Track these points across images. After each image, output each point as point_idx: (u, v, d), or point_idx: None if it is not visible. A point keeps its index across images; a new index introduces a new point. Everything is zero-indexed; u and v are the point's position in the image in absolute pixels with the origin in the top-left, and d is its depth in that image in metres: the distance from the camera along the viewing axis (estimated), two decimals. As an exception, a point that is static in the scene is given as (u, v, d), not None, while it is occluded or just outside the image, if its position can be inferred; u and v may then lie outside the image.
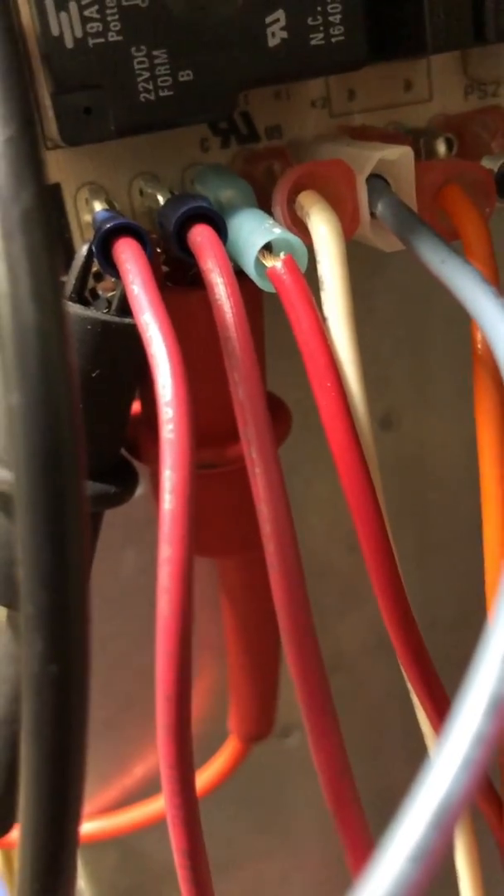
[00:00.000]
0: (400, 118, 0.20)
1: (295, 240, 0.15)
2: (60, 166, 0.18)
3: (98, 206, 0.17)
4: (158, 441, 0.13)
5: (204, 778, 0.24)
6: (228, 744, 0.24)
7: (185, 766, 0.13)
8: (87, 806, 0.26)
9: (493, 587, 0.16)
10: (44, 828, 0.11)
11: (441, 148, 0.18)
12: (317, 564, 0.25)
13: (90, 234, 0.18)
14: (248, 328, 0.14)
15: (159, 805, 0.25)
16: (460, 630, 0.27)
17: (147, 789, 0.26)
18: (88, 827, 0.25)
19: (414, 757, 0.20)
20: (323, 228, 0.15)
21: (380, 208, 0.15)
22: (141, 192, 0.18)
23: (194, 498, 0.13)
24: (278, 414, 0.20)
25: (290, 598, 0.14)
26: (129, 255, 0.14)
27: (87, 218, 0.18)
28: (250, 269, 0.15)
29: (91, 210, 0.18)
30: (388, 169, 0.16)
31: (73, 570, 0.10)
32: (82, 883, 0.27)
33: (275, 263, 0.15)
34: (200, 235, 0.15)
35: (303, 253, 0.15)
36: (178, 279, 0.18)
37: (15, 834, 0.20)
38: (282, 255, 0.15)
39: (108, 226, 0.15)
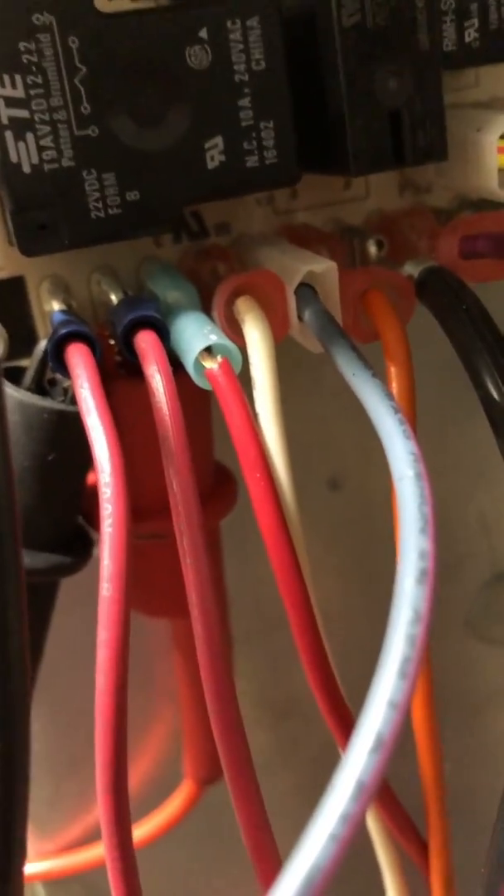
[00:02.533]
0: (340, 215, 0.22)
1: (230, 346, 0.17)
2: (24, 261, 0.20)
3: (56, 306, 0.19)
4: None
5: (160, 818, 0.26)
6: (183, 786, 0.26)
7: (122, 825, 0.15)
8: (52, 843, 0.28)
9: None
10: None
11: (372, 249, 0.20)
12: (272, 616, 0.27)
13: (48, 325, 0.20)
14: (182, 428, 0.16)
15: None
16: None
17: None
18: (53, 864, 0.27)
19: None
20: (255, 334, 0.17)
21: (306, 316, 0.17)
22: (98, 283, 0.20)
23: (129, 586, 0.14)
24: (225, 488, 0.21)
25: (212, 667, 0.16)
26: (78, 361, 0.16)
27: (49, 308, 0.20)
28: (190, 369, 0.17)
29: (52, 302, 0.20)
30: (316, 279, 0.18)
31: (13, 652, 0.12)
32: (47, 917, 0.28)
33: (212, 365, 0.17)
34: (144, 342, 0.17)
35: (237, 357, 0.17)
36: (130, 367, 0.20)
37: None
38: (218, 357, 0.17)
39: (61, 332, 0.17)
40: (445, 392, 0.23)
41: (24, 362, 0.20)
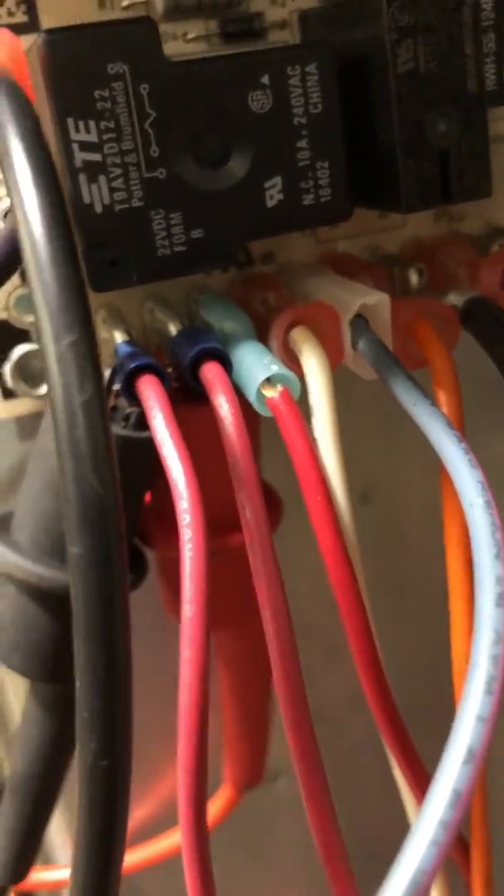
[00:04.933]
0: (377, 242, 0.23)
1: (290, 375, 0.18)
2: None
3: (119, 337, 0.20)
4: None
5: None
6: (223, 791, 0.26)
7: (201, 833, 0.16)
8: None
9: (459, 654, 0.19)
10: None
11: (414, 278, 0.21)
12: (302, 624, 0.28)
13: (107, 351, 0.21)
14: (251, 455, 0.17)
15: (159, 846, 0.27)
16: (430, 680, 0.30)
17: (147, 831, 0.28)
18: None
19: (384, 800, 0.22)
20: (313, 363, 0.18)
21: (361, 346, 0.18)
22: (151, 312, 0.21)
23: (210, 608, 0.15)
24: (272, 504, 0.22)
25: (284, 664, 0.17)
26: (151, 392, 0.17)
27: (105, 335, 0.21)
28: (252, 398, 0.18)
29: (108, 329, 0.21)
30: (369, 310, 0.18)
31: (121, 684, 0.13)
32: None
33: (273, 394, 0.18)
34: (211, 373, 0.17)
35: (296, 386, 0.18)
36: (185, 392, 0.20)
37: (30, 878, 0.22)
38: (279, 386, 0.18)
39: (132, 364, 0.18)
40: (475, 409, 0.24)
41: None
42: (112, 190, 0.17)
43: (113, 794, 0.13)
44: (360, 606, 0.18)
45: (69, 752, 0.22)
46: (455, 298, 0.20)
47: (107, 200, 0.17)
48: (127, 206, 0.18)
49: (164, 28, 0.20)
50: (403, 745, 0.19)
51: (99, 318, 0.21)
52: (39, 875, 0.26)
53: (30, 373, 0.21)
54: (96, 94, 0.17)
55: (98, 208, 0.17)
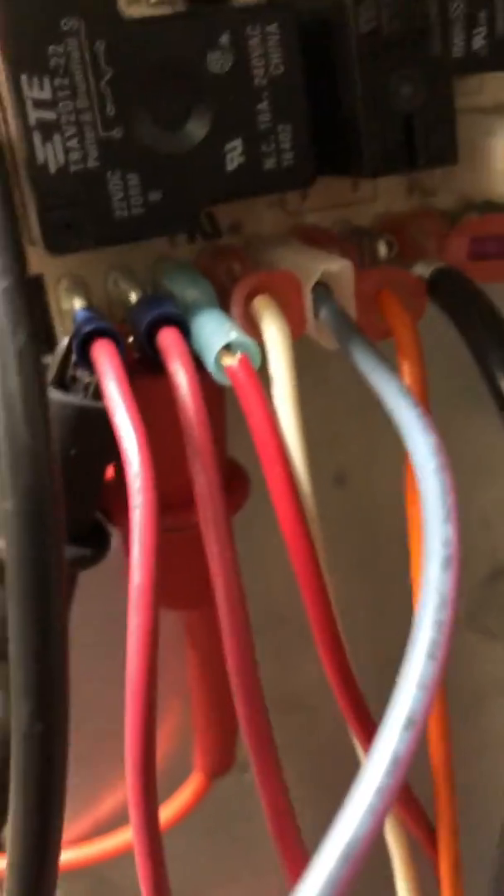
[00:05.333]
0: (348, 216, 0.22)
1: (249, 342, 0.17)
2: (43, 260, 0.20)
3: (78, 304, 0.19)
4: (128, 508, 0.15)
5: (170, 809, 0.26)
6: (192, 778, 0.26)
7: (150, 808, 0.15)
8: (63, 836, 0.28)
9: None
10: (28, 864, 0.13)
11: (382, 249, 0.21)
12: (276, 611, 0.28)
13: (69, 322, 0.20)
14: (207, 424, 0.16)
15: (128, 835, 0.27)
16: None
17: (116, 820, 0.27)
18: (64, 856, 0.27)
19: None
20: (273, 331, 0.18)
21: (323, 314, 0.18)
22: (115, 282, 0.21)
23: (158, 574, 0.15)
24: (238, 483, 0.22)
25: (238, 651, 0.16)
26: (104, 357, 0.17)
27: (66, 306, 0.20)
28: (211, 366, 0.17)
29: (70, 300, 0.20)
30: (332, 278, 0.18)
31: (56, 645, 0.12)
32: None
33: (232, 362, 0.17)
34: (167, 339, 0.17)
35: (256, 353, 0.17)
36: (147, 364, 0.20)
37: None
38: (238, 354, 0.17)
39: (87, 328, 0.17)
40: (444, 392, 0.24)
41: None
42: (67, 150, 0.17)
43: (50, 761, 0.12)
44: (321, 588, 0.17)
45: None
46: (422, 269, 0.20)
47: (62, 160, 0.17)
48: (83, 166, 0.17)
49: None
50: (369, 733, 0.19)
51: (62, 287, 0.20)
52: None
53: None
54: (50, 49, 0.16)
55: (52, 168, 0.17)
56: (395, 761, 0.11)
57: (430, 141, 0.18)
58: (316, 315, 0.18)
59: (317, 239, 0.21)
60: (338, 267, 0.18)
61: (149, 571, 0.15)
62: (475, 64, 0.20)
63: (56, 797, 0.13)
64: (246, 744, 0.16)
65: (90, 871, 0.28)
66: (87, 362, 0.18)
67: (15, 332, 0.12)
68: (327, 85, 0.18)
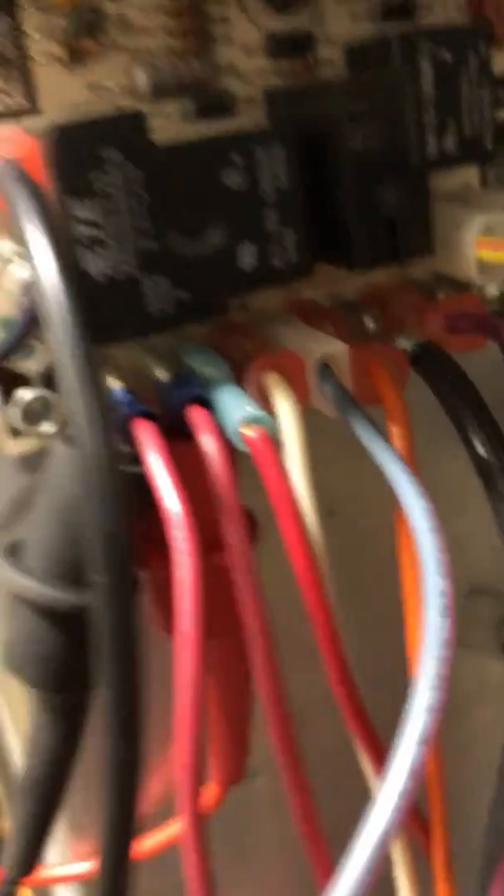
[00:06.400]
0: (337, 290, 0.25)
1: (265, 417, 0.20)
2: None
3: (114, 385, 0.22)
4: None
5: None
6: (208, 788, 0.29)
7: (200, 824, 0.18)
8: (89, 845, 0.31)
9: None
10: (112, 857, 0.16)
11: (369, 324, 0.24)
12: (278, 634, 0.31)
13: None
14: (235, 485, 0.19)
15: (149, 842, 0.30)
16: (392, 684, 0.33)
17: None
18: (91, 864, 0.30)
19: (354, 793, 0.25)
20: (284, 405, 0.21)
21: (325, 389, 0.21)
22: (142, 358, 0.24)
23: (204, 622, 0.18)
24: (249, 527, 0.25)
25: (268, 668, 0.19)
26: (147, 435, 0.20)
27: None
28: (232, 437, 0.20)
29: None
30: (330, 358, 0.21)
31: (140, 690, 0.15)
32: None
33: (251, 433, 0.20)
34: (198, 417, 0.20)
35: (270, 425, 0.20)
36: (173, 428, 0.23)
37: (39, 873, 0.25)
38: (255, 426, 0.20)
39: (130, 411, 0.20)
40: (426, 435, 0.27)
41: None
42: (108, 259, 0.20)
43: (134, 782, 0.15)
44: (328, 614, 0.20)
45: (75, 754, 0.24)
46: (405, 343, 0.23)
47: (104, 269, 0.20)
48: (122, 273, 0.20)
49: (147, 106, 0.22)
50: (371, 741, 0.22)
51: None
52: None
53: (33, 414, 0.23)
54: (92, 175, 0.19)
55: (96, 275, 0.20)
56: (413, 771, 0.14)
57: (410, 238, 0.22)
58: (319, 389, 0.21)
59: (313, 313, 0.24)
60: (336, 349, 0.21)
61: (195, 620, 0.18)
62: (446, 161, 0.23)
63: (135, 812, 0.16)
64: (275, 749, 0.19)
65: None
66: (129, 442, 0.21)
67: (108, 447, 0.15)
68: (323, 189, 0.22)
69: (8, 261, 0.21)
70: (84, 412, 0.15)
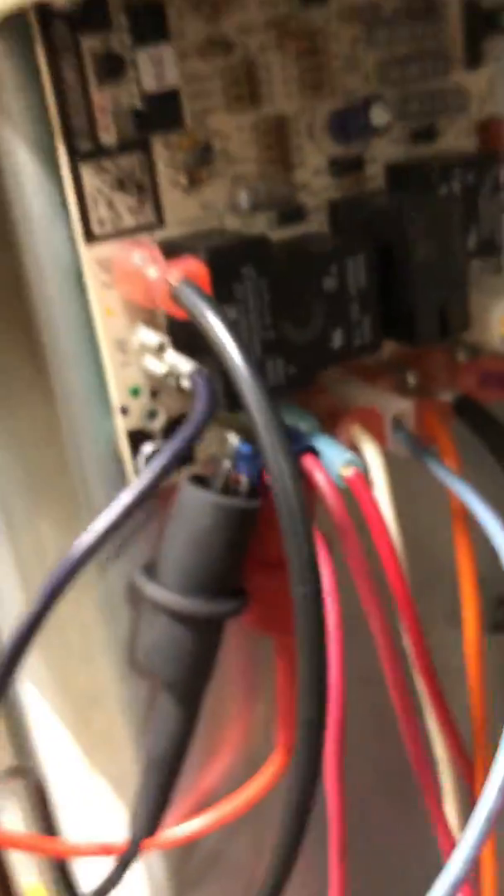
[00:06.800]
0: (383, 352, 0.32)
1: (359, 460, 0.27)
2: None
3: (233, 439, 0.28)
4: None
5: (259, 783, 0.35)
6: (275, 755, 0.35)
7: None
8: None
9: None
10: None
11: (411, 380, 0.31)
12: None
13: (215, 439, 0.29)
14: (346, 511, 0.26)
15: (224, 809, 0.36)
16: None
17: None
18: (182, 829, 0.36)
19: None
20: (371, 451, 0.27)
21: (398, 437, 0.28)
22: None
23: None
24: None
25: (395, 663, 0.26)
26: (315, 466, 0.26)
27: (216, 433, 0.29)
28: (333, 477, 0.27)
29: (221, 430, 0.29)
30: (401, 412, 0.28)
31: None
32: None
33: (349, 474, 0.27)
34: (310, 463, 0.27)
35: (363, 466, 0.27)
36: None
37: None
38: (352, 467, 0.27)
39: (260, 465, 0.26)
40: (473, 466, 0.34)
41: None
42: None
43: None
44: (414, 615, 0.27)
45: (193, 734, 0.31)
46: (446, 395, 0.30)
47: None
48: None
49: (242, 219, 0.29)
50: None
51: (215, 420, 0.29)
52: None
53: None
54: (234, 287, 0.26)
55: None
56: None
57: (454, 321, 0.29)
58: (392, 436, 0.28)
59: (370, 372, 0.31)
60: (405, 406, 0.28)
61: (338, 623, 0.24)
62: (471, 256, 0.30)
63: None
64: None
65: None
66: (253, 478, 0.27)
67: (297, 493, 0.21)
68: (389, 284, 0.28)
69: (153, 348, 0.27)
70: (281, 465, 0.22)
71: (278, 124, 0.29)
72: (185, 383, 0.26)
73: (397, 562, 0.27)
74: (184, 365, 0.26)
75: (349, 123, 0.28)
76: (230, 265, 0.25)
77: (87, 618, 0.35)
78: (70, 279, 0.28)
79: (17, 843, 0.35)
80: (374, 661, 0.28)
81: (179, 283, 0.24)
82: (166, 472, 0.25)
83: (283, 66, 0.28)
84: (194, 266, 0.24)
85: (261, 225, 0.29)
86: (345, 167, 0.30)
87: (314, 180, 0.30)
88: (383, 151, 0.31)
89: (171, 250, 0.26)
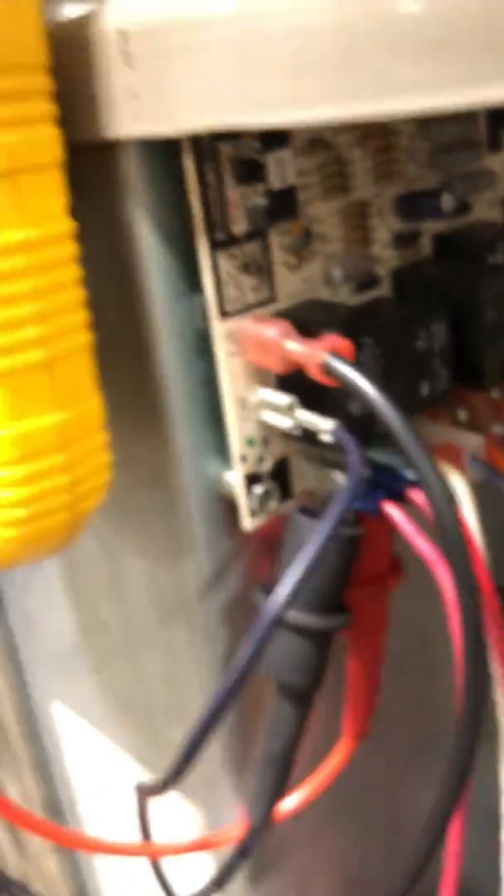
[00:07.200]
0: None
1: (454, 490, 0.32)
2: (286, 445, 0.34)
3: (340, 478, 0.33)
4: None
5: (327, 769, 0.40)
6: (342, 742, 0.40)
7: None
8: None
9: None
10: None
11: (462, 416, 0.37)
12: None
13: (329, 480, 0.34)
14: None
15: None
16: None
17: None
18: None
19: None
20: (458, 481, 0.33)
21: (476, 467, 0.34)
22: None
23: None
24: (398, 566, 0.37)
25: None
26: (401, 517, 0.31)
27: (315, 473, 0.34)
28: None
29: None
30: (476, 446, 0.34)
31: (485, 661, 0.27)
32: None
33: (445, 502, 0.32)
34: (417, 495, 0.32)
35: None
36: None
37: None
38: (446, 497, 0.32)
39: (375, 497, 0.31)
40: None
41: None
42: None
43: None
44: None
45: (304, 735, 0.35)
46: (499, 430, 0.36)
47: (357, 409, 0.31)
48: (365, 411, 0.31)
49: (331, 290, 0.34)
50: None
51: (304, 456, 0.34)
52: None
53: (264, 500, 0.33)
54: (359, 356, 0.31)
55: (354, 413, 0.31)
56: None
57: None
58: (470, 466, 0.34)
59: (430, 411, 0.36)
60: (479, 441, 0.34)
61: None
62: None
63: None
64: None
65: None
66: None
67: (458, 519, 0.27)
68: (463, 336, 0.34)
69: (282, 407, 0.32)
70: (441, 497, 0.27)
71: (360, 208, 0.34)
72: (326, 437, 0.31)
73: (489, 578, 0.33)
74: (322, 423, 0.30)
75: (422, 207, 0.33)
76: (355, 336, 0.30)
77: (176, 640, 0.39)
78: (195, 349, 0.32)
79: (120, 850, 0.39)
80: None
81: (329, 357, 0.29)
82: (342, 517, 0.29)
83: (362, 159, 0.33)
84: (340, 343, 0.29)
85: (344, 294, 0.34)
86: (405, 240, 0.35)
87: (383, 253, 0.35)
88: (431, 225, 0.36)
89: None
